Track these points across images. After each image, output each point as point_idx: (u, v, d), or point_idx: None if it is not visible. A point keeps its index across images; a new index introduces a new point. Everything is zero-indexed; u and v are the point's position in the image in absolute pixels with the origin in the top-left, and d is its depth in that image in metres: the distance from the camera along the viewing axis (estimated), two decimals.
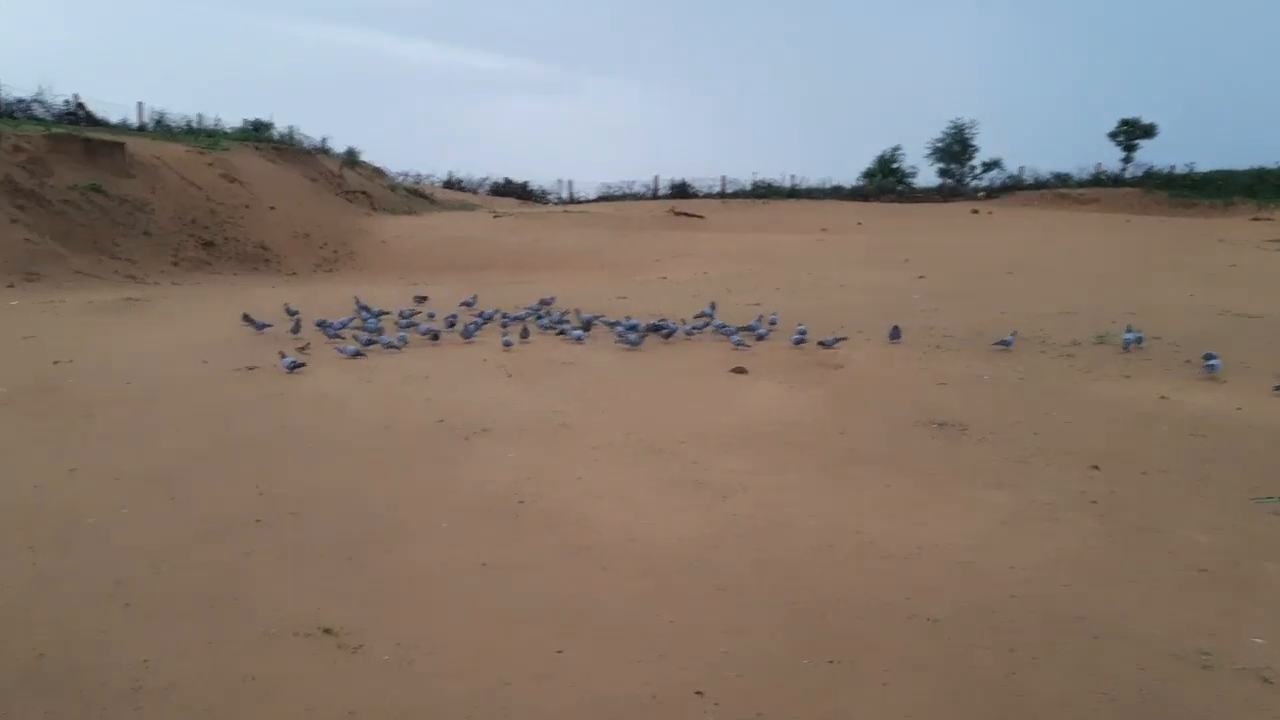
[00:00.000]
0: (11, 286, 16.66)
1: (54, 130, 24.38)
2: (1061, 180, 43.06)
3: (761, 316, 13.22)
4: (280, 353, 10.36)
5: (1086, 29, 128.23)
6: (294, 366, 10.03)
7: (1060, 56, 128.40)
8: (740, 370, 10.45)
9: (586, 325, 12.78)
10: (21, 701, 3.73)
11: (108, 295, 16.16)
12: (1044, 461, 7.22)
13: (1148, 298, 15.70)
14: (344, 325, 12.56)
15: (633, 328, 12.25)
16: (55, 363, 10.14)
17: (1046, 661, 4.16)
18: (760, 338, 12.27)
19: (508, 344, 11.78)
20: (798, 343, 11.82)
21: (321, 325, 12.44)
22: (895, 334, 12.16)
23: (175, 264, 21.80)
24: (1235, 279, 18.16)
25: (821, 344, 11.60)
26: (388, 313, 13.72)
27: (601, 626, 4.45)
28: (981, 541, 5.59)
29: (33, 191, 20.95)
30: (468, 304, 15.02)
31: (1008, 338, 11.79)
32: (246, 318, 12.65)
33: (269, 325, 12.50)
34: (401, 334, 12.12)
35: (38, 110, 29.37)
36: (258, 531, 5.54)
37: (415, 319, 13.37)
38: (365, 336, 11.77)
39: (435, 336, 12.09)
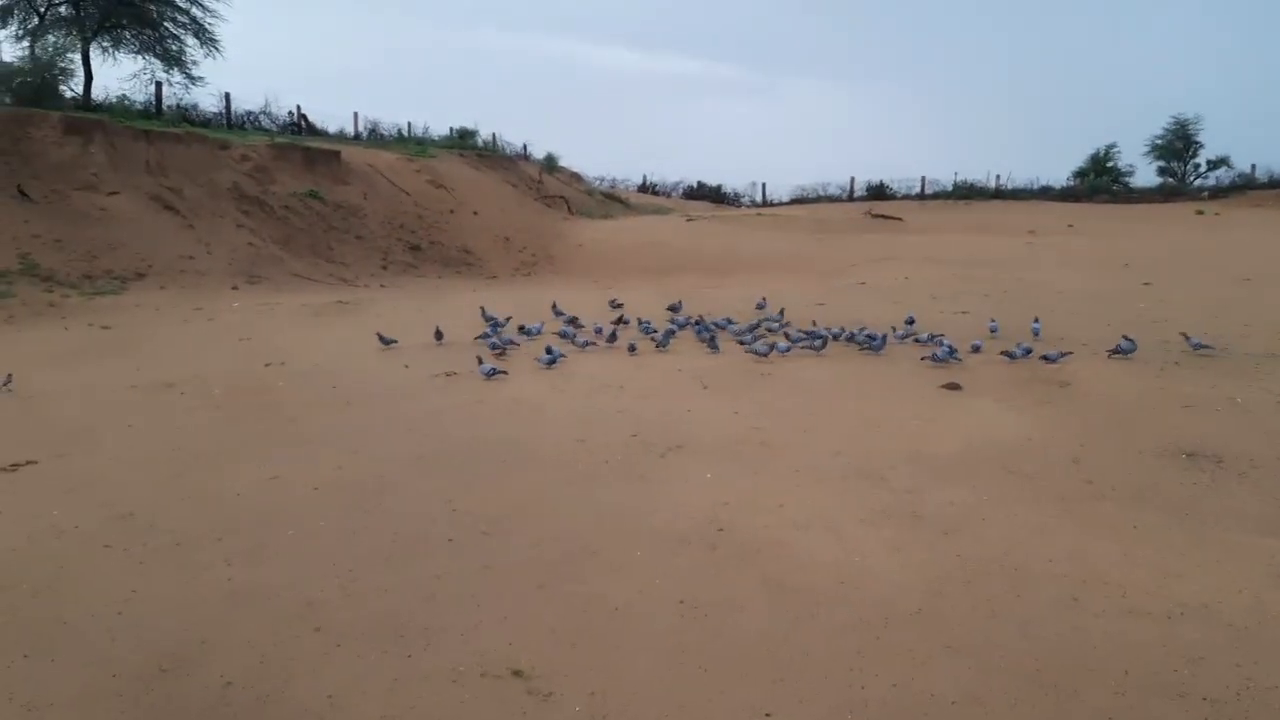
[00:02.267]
0: (235, 289, 17.64)
1: (277, 140, 25.85)
2: None
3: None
4: (478, 359, 10.33)
5: None
6: (492, 373, 10.00)
7: None
8: (954, 386, 9.67)
9: (824, 342, 11.78)
10: None
11: (321, 298, 16.86)
12: None
13: None
14: (535, 332, 12.51)
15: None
16: (267, 365, 10.49)
17: None
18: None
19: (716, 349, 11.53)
20: (1025, 353, 10.84)
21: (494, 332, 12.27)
22: (1128, 347, 10.97)
23: (384, 267, 22.63)
24: None
25: (1045, 359, 10.63)
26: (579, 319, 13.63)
27: (813, 685, 3.94)
28: (1256, 600, 4.74)
29: (257, 198, 22.24)
30: (673, 309, 14.83)
31: None
32: (380, 337, 12.05)
33: (395, 342, 11.87)
34: (591, 341, 12.03)
35: (265, 122, 31.34)
36: (449, 552, 5.34)
37: (575, 325, 13.03)
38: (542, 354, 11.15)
39: (632, 349, 11.64)
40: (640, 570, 5.11)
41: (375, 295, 18.33)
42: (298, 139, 27.97)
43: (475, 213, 27.15)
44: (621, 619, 4.55)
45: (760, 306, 14.92)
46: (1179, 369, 10.32)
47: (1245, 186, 39.01)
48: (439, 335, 12.24)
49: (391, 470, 6.84)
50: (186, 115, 27.77)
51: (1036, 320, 12.38)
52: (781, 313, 14.12)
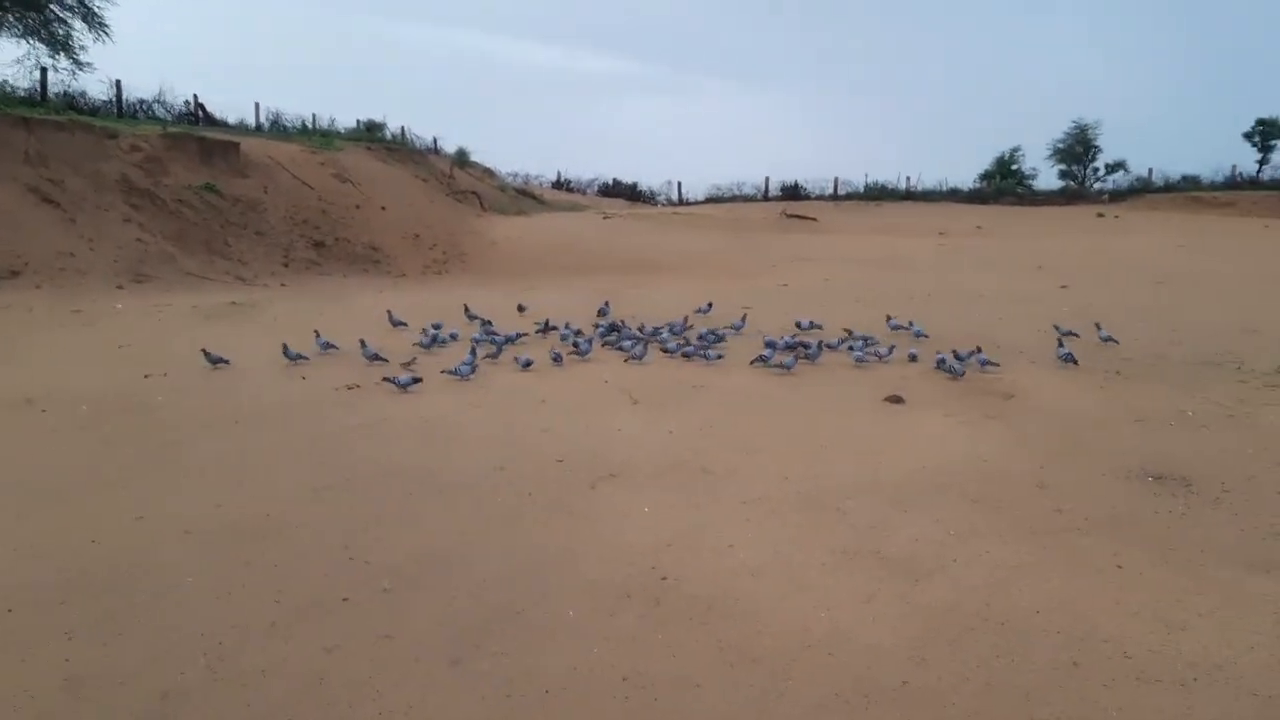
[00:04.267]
0: (120, 288, 16.27)
1: (171, 130, 24.23)
2: (1191, 183, 40.30)
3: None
4: (397, 377, 9.35)
5: (1217, 24, 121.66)
6: (410, 383, 9.14)
7: (1190, 53, 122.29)
8: (896, 399, 9.11)
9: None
10: None
11: (215, 299, 15.64)
12: None
13: None
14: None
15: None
16: (146, 376, 9.40)
17: None
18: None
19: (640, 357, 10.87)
20: (961, 361, 10.41)
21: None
22: (1067, 357, 10.59)
23: (285, 265, 21.34)
24: None
25: (982, 363, 10.28)
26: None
27: None
28: (1273, 659, 4.17)
29: (148, 191, 20.69)
30: (602, 311, 14.20)
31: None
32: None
33: (226, 362, 10.15)
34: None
35: (159, 111, 29.52)
36: (344, 615, 4.46)
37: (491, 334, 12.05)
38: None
39: (557, 359, 10.70)
40: (575, 635, 4.32)
41: (274, 295, 17.13)
42: (193, 129, 26.28)
43: (383, 208, 25.89)
44: (554, 704, 3.76)
45: (702, 311, 14.47)
46: (1122, 379, 9.99)
47: (1143, 190, 40.35)
48: (324, 345, 10.90)
49: (280, 507, 5.91)
50: (73, 103, 25.91)
51: (909, 322, 12.87)
52: (744, 318, 13.51)
